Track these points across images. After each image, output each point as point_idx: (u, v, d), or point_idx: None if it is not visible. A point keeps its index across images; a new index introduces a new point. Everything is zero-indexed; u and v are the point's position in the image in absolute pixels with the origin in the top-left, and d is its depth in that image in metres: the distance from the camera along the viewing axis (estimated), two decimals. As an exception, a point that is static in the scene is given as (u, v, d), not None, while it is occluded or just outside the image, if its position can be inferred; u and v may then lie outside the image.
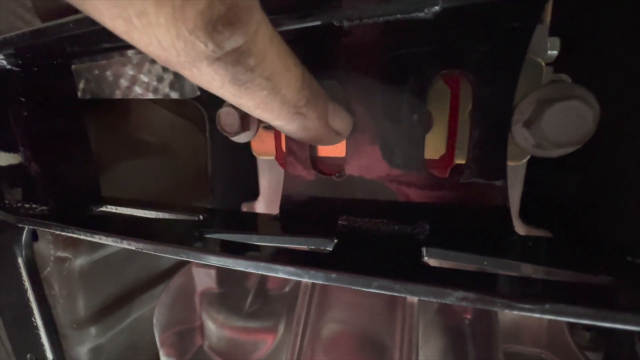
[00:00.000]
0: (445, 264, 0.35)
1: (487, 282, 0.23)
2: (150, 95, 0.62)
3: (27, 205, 0.49)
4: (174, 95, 0.61)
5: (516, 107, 0.26)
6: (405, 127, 0.30)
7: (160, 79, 0.61)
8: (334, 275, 0.25)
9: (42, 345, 0.66)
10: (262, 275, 0.58)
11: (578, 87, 0.24)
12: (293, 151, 0.36)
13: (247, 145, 0.47)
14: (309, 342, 0.42)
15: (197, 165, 0.79)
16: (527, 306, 0.20)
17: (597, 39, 0.39)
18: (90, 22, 0.32)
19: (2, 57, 0.40)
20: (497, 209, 0.29)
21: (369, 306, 0.43)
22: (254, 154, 0.49)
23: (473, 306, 0.21)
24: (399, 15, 0.27)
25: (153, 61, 0.60)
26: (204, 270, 0.57)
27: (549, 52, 0.34)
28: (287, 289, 0.56)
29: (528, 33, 0.25)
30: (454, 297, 0.21)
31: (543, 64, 0.32)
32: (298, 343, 0.42)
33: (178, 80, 0.61)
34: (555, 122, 0.23)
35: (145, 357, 0.78)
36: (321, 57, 0.31)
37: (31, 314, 0.64)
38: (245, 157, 0.61)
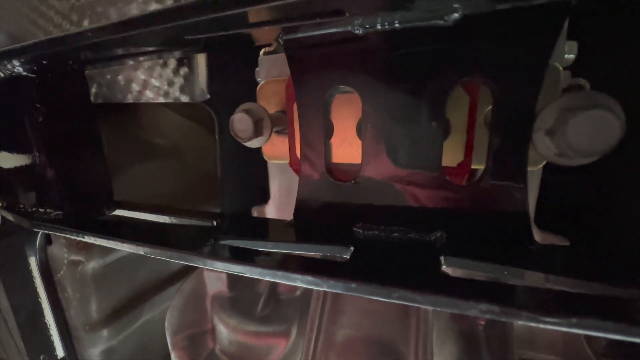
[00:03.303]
0: (461, 272, 0.35)
1: (510, 294, 0.22)
2: (161, 99, 0.62)
3: (41, 210, 0.50)
4: (185, 99, 0.62)
5: (538, 115, 0.26)
6: (423, 135, 0.30)
7: (170, 83, 0.61)
8: (353, 285, 0.25)
9: (55, 346, 0.67)
10: (273, 279, 0.58)
11: (602, 95, 0.24)
12: (308, 157, 0.36)
13: (256, 149, 0.46)
14: (323, 348, 0.42)
15: (207, 168, 0.79)
16: (553, 320, 0.20)
17: (616, 43, 0.38)
18: (107, 30, 0.32)
19: (18, 64, 0.40)
20: (516, 217, 0.29)
21: (383, 312, 0.42)
22: (265, 158, 0.49)
23: (497, 319, 0.21)
24: (418, 23, 0.26)
25: (164, 65, 0.60)
26: (216, 274, 0.57)
27: (567, 56, 0.34)
28: (298, 293, 0.56)
29: (551, 39, 0.25)
30: (477, 310, 0.21)
31: (561, 68, 0.32)
32: (312, 348, 0.42)
33: (188, 84, 0.61)
34: (581, 131, 0.23)
35: (156, 359, 0.79)
36: (340, 64, 0.31)
37: (44, 316, 0.65)
38: (254, 160, 0.61)
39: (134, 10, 0.48)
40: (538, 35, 0.25)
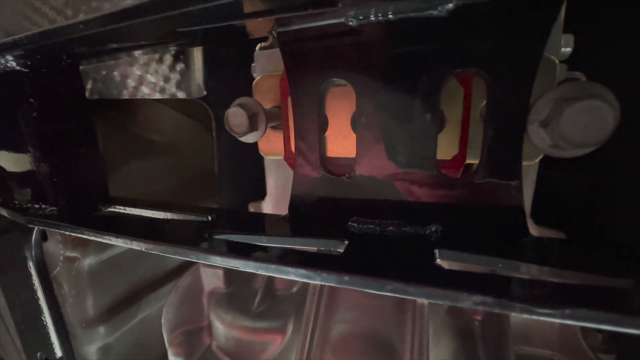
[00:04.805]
0: (456, 265, 0.35)
1: (503, 286, 0.22)
2: (157, 95, 0.62)
3: (36, 206, 0.50)
4: (181, 95, 0.61)
5: (532, 107, 0.26)
6: (417, 127, 0.29)
7: (167, 79, 0.61)
8: (346, 278, 0.25)
9: (52, 343, 0.67)
10: (270, 276, 0.58)
11: (597, 85, 0.23)
12: (303, 152, 0.35)
13: (254, 145, 0.46)
14: (318, 343, 0.42)
15: (203, 165, 0.79)
16: (546, 311, 0.20)
17: (613, 36, 0.38)
18: (98, 22, 0.32)
19: (11, 58, 0.40)
20: (511, 210, 0.29)
21: (379, 307, 0.42)
22: (261, 154, 0.48)
23: (490, 310, 0.21)
24: (412, 14, 0.26)
25: (160, 61, 0.60)
26: (212, 270, 0.57)
27: (563, 49, 0.34)
28: (295, 289, 0.55)
29: (545, 29, 0.25)
30: (470, 301, 0.21)
31: (557, 61, 0.32)
32: (307, 343, 0.41)
33: (185, 80, 0.61)
34: (575, 121, 0.22)
35: (153, 355, 0.79)
36: (334, 57, 0.31)
37: (41, 313, 0.65)
38: (251, 156, 0.61)
39: (128, 5, 0.47)
40: (532, 26, 0.24)
